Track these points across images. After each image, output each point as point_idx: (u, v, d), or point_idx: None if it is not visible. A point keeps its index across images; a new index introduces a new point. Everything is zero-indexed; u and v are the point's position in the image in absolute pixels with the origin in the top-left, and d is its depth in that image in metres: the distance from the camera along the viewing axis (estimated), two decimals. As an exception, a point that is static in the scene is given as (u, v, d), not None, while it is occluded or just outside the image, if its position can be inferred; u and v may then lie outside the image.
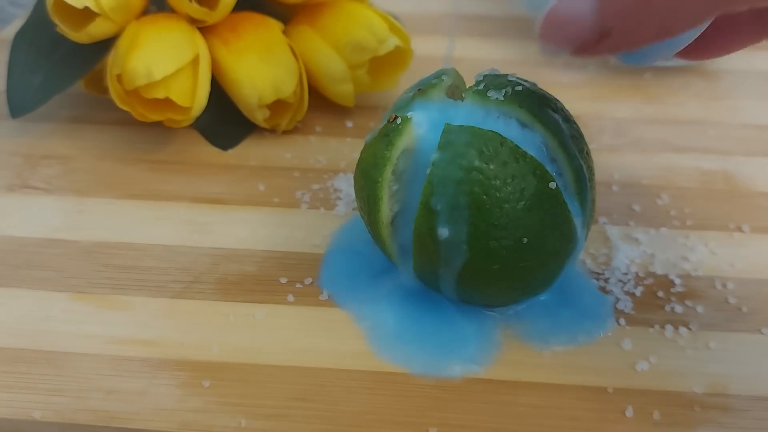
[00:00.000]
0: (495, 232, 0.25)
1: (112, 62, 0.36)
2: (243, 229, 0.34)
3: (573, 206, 0.27)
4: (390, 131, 0.27)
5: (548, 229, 0.26)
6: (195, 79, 0.36)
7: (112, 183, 0.37)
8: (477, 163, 0.25)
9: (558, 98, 0.29)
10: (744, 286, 0.31)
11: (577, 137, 0.28)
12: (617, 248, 0.33)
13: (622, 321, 0.29)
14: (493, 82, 0.28)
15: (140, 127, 0.40)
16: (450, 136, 0.26)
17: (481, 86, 0.27)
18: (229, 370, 0.28)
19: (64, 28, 0.36)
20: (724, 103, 0.43)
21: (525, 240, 0.26)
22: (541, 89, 0.29)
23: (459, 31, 0.50)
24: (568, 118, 0.28)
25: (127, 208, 0.35)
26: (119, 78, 0.35)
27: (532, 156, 0.26)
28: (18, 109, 0.38)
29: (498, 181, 0.25)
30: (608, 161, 0.38)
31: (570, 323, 0.29)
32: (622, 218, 0.34)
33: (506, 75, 0.28)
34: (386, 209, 0.27)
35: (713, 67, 0.46)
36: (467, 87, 0.28)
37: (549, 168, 0.26)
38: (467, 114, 0.27)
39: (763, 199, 0.36)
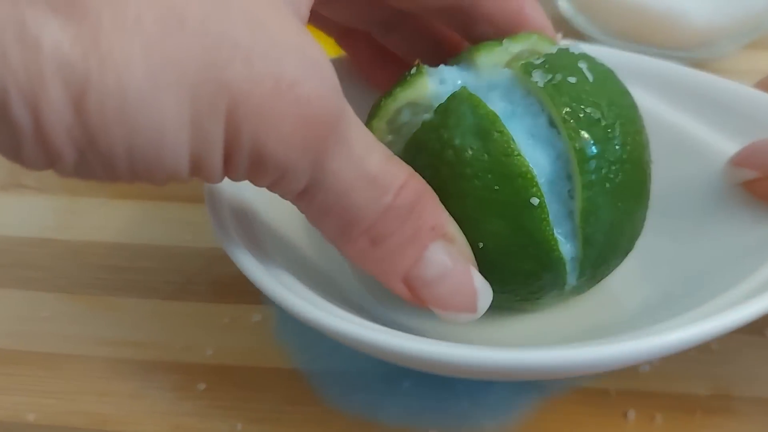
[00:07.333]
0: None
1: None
2: (239, 229, 0.34)
3: (566, 234, 0.23)
4: (400, 81, 0.25)
5: (517, 245, 0.23)
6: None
7: (104, 182, 0.36)
8: (458, 142, 0.22)
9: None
10: (746, 287, 0.31)
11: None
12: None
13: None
14: (554, 61, 0.23)
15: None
16: (450, 103, 0.23)
17: (538, 61, 0.23)
18: (224, 373, 0.27)
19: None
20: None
21: (480, 245, 0.23)
22: (627, 97, 0.24)
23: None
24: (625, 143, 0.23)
25: (120, 208, 0.35)
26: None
27: (522, 157, 0.22)
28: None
29: (469, 170, 0.22)
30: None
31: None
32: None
33: (583, 58, 0.24)
34: None
35: (714, 67, 0.45)
36: (526, 58, 0.24)
37: (560, 185, 0.23)
38: (500, 87, 0.24)
39: (764, 199, 0.35)
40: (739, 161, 0.27)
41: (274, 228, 0.27)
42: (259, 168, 0.19)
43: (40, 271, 0.31)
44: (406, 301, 0.22)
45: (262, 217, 0.26)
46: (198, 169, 0.18)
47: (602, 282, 0.26)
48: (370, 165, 0.20)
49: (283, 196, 0.21)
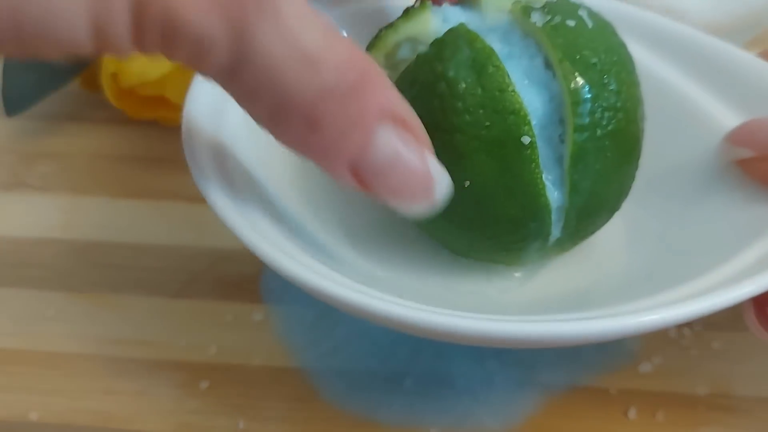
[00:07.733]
0: (440, 161, 0.21)
1: (108, 60, 0.35)
2: (241, 228, 0.34)
3: (554, 181, 0.23)
4: (403, 14, 0.24)
5: (503, 187, 0.22)
6: (190, 77, 0.35)
7: (108, 181, 0.36)
8: (452, 74, 0.22)
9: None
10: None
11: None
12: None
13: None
14: (555, 7, 0.23)
15: (137, 125, 0.40)
16: (447, 36, 0.22)
17: (538, 5, 0.23)
18: (227, 371, 0.27)
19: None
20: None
21: (467, 183, 0.22)
22: (620, 43, 0.24)
23: None
24: (619, 91, 0.22)
25: (123, 206, 0.35)
26: (114, 76, 0.35)
27: (516, 94, 0.22)
28: (14, 107, 0.38)
29: (461, 104, 0.21)
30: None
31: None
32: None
33: (584, 7, 0.24)
34: None
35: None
36: (527, 2, 0.24)
37: (551, 128, 0.22)
38: (499, 30, 0.24)
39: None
40: (735, 139, 0.26)
41: (253, 172, 0.26)
42: (172, 40, 0.17)
43: (44, 271, 0.32)
44: (356, 191, 0.20)
45: (242, 160, 0.25)
46: (102, 40, 0.16)
47: (587, 249, 0.25)
48: (305, 40, 0.18)
49: (206, 74, 0.18)
